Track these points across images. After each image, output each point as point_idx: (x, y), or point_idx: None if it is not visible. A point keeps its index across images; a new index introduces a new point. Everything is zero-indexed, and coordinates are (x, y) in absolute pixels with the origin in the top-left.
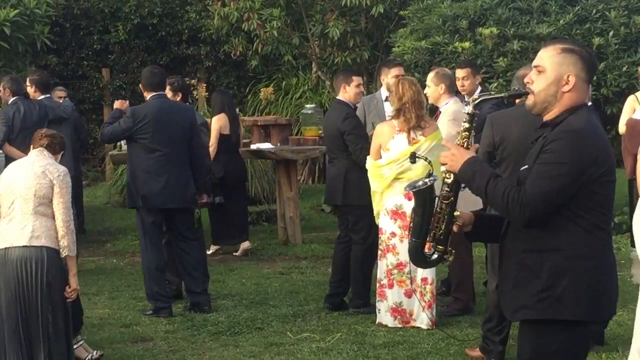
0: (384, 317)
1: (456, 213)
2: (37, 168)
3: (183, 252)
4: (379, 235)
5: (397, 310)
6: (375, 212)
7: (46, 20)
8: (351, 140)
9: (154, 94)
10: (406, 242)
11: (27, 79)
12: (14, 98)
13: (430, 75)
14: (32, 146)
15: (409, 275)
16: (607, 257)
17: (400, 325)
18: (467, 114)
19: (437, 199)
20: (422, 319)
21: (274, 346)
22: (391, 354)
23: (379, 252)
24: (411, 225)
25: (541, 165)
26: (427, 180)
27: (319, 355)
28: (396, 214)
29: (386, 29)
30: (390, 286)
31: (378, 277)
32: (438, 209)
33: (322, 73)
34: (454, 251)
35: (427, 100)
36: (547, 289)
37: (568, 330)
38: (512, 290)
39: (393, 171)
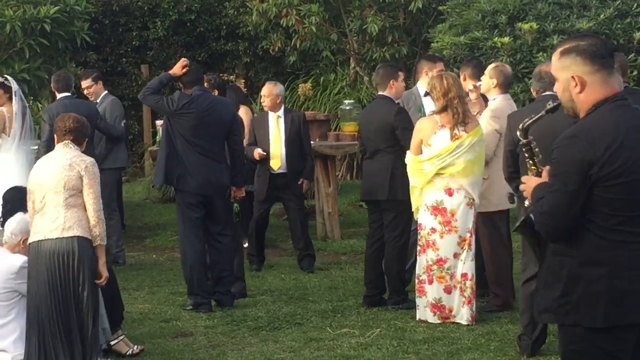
0: (424, 312)
1: None
2: (65, 161)
3: (216, 251)
4: (419, 231)
5: (437, 306)
6: (414, 208)
7: (86, 17)
8: (404, 135)
9: (196, 88)
10: (446, 237)
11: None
12: (61, 96)
13: (489, 67)
14: (56, 139)
15: (448, 272)
16: (625, 260)
17: (439, 321)
18: (522, 144)
19: None
20: (462, 315)
21: (313, 341)
22: (431, 349)
23: (418, 247)
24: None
25: (551, 178)
26: (521, 217)
27: (358, 350)
28: (436, 209)
29: (425, 25)
30: (430, 282)
31: (417, 272)
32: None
33: (360, 69)
34: None
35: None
36: (564, 295)
37: (594, 335)
38: (540, 292)
39: (435, 166)
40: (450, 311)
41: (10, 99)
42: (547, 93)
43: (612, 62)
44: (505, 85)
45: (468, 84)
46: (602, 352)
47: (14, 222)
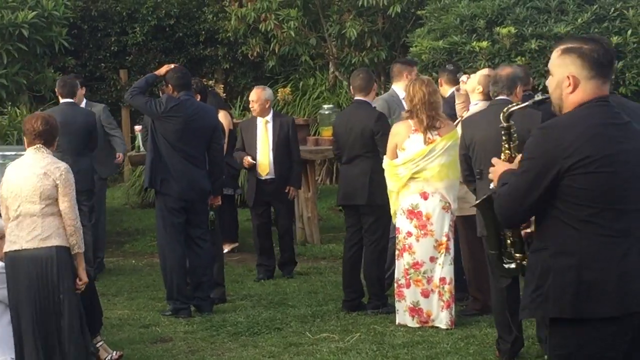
0: (402, 316)
1: None
2: (38, 169)
3: (196, 256)
4: (396, 235)
5: (415, 310)
6: (392, 212)
7: (64, 22)
8: (383, 141)
9: (184, 92)
10: (422, 241)
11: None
12: (63, 101)
13: (481, 72)
14: (26, 143)
15: (425, 275)
16: (595, 251)
17: (418, 325)
18: (502, 127)
19: None
20: (441, 319)
21: (293, 346)
22: (410, 353)
23: (396, 252)
24: (486, 237)
25: (519, 164)
26: (489, 193)
27: (338, 355)
28: (412, 213)
29: (403, 29)
30: (408, 286)
31: (396, 277)
32: None
33: (339, 73)
34: None
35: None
36: (537, 288)
37: (573, 333)
38: (523, 292)
39: (409, 170)
40: (429, 315)
41: None
42: (501, 97)
43: (609, 72)
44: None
45: (445, 89)
46: (589, 349)
47: None
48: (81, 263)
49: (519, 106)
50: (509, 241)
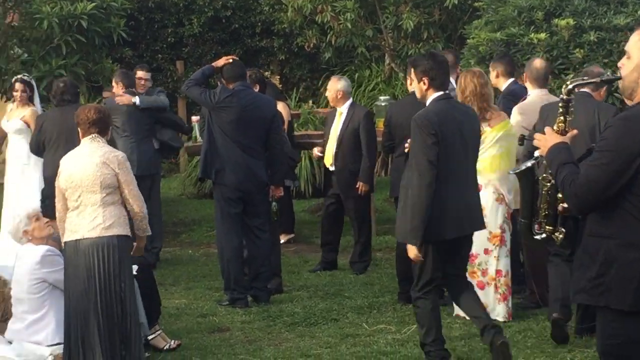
0: (459, 308)
1: (560, 195)
2: (97, 158)
3: (254, 246)
4: None
5: None
6: None
7: (122, 13)
8: None
9: (238, 83)
10: (476, 233)
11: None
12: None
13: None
14: (81, 133)
15: (479, 267)
16: None
17: None
18: (562, 99)
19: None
20: (498, 312)
21: (349, 337)
22: (467, 345)
23: None
24: (520, 206)
25: (595, 153)
26: (528, 163)
27: (395, 346)
28: None
29: (460, 21)
30: None
31: None
32: (542, 191)
33: (395, 65)
34: (564, 230)
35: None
36: (599, 276)
37: (625, 322)
38: (575, 272)
39: None
40: (485, 308)
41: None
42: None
43: None
44: (538, 80)
45: (501, 81)
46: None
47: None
48: (142, 243)
49: (585, 81)
50: (543, 213)
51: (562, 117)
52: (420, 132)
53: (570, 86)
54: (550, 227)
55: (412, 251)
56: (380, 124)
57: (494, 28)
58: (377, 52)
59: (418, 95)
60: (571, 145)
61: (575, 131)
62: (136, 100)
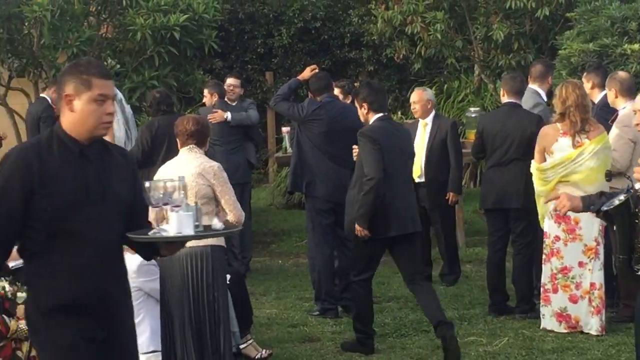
0: (549, 322)
1: None
2: (193, 169)
3: (345, 257)
4: (544, 239)
5: (562, 316)
6: (540, 216)
7: (214, 24)
8: None
9: (325, 95)
10: (571, 245)
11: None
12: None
13: (607, 79)
14: (179, 144)
15: (573, 280)
16: None
17: (566, 331)
18: None
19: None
20: (592, 325)
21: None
22: (560, 359)
23: (543, 256)
24: (616, 241)
25: None
26: (621, 196)
27: (486, 359)
28: (560, 217)
29: (551, 31)
30: (555, 291)
31: (542, 281)
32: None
33: (485, 76)
34: None
35: (592, 103)
36: None
37: None
38: None
39: (557, 174)
40: (577, 321)
41: None
42: None
43: None
44: (630, 91)
45: (595, 93)
46: None
47: None
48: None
49: None
50: None
51: None
52: (365, 143)
53: None
54: None
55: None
56: (470, 135)
57: (587, 39)
58: (465, 63)
59: (362, 118)
60: None
61: None
62: (228, 116)
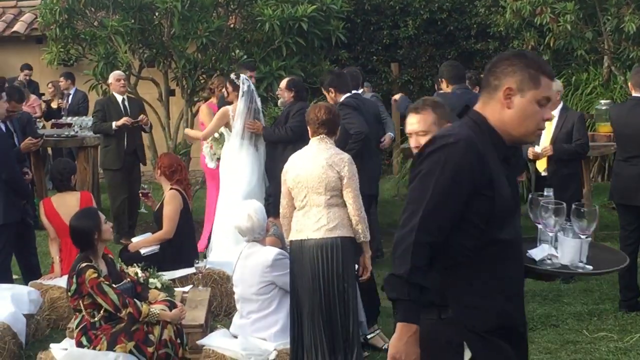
0: None
1: None
2: (322, 161)
3: None
4: None
5: None
6: None
7: (341, 15)
8: None
9: (457, 86)
10: None
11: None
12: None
13: None
14: (310, 132)
15: None
16: None
17: None
18: None
19: None
20: None
21: (570, 344)
22: None
23: None
24: None
25: None
26: None
27: (617, 355)
28: None
29: None
30: None
31: None
32: None
33: (615, 68)
34: None
35: None
36: None
37: None
38: None
39: None
40: None
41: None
42: None
43: None
44: None
45: None
46: None
47: (259, 216)
48: (367, 251)
49: None
50: None
51: None
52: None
53: None
54: None
55: None
56: (600, 128)
57: None
58: (594, 54)
59: (330, 102)
60: None
61: None
62: None
